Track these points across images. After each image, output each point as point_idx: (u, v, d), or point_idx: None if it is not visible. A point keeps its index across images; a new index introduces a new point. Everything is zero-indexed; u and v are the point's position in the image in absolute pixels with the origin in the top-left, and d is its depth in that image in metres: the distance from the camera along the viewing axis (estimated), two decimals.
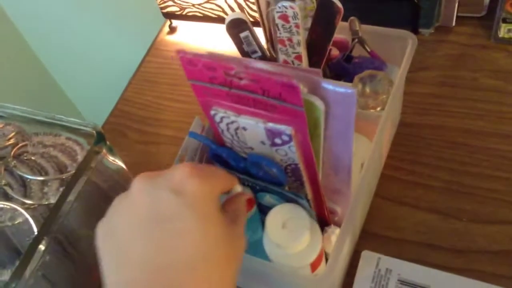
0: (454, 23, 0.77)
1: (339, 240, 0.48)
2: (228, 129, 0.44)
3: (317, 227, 0.48)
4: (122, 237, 0.36)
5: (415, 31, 0.76)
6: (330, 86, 0.41)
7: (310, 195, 0.48)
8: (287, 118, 0.40)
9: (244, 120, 0.41)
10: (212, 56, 0.39)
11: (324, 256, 0.50)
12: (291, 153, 0.42)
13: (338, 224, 0.52)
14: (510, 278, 0.56)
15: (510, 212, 0.61)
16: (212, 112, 0.43)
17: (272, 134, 0.41)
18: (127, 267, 0.35)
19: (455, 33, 0.78)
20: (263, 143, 0.43)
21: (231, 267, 0.37)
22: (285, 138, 0.41)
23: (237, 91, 0.40)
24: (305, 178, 0.45)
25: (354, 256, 0.60)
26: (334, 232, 0.50)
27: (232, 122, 0.42)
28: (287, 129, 0.40)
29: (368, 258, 0.59)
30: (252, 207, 0.48)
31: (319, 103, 0.41)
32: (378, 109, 0.56)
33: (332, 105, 0.42)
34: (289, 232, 0.46)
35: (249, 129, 0.42)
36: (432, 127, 0.69)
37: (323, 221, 0.52)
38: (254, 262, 0.48)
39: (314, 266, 0.48)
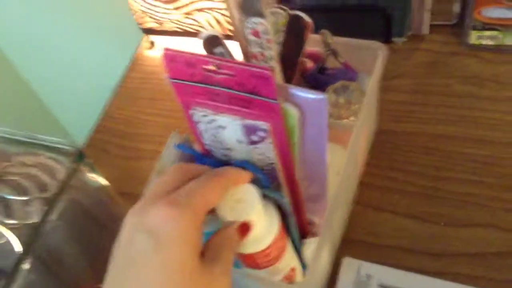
0: (426, 31, 0.79)
1: (317, 248, 0.49)
2: (206, 129, 0.44)
3: (272, 207, 0.47)
4: (106, 276, 0.36)
5: (388, 40, 0.78)
6: (301, 93, 0.42)
7: (288, 199, 0.48)
8: (263, 114, 0.41)
9: (222, 118, 0.42)
10: (193, 53, 0.40)
11: (290, 247, 0.50)
12: (268, 151, 0.43)
13: (317, 235, 0.53)
14: (486, 279, 0.58)
15: (485, 215, 0.62)
16: (191, 112, 0.44)
17: (248, 131, 0.42)
18: None
19: (428, 41, 0.80)
20: (240, 142, 0.43)
21: None
22: (262, 134, 0.42)
23: (214, 88, 0.41)
24: (282, 179, 0.46)
25: (336, 263, 0.61)
26: (313, 243, 0.51)
27: (211, 122, 0.43)
28: (263, 124, 0.41)
29: (349, 265, 0.61)
30: (247, 232, 0.43)
31: (293, 110, 0.42)
32: (352, 118, 0.58)
33: (305, 112, 0.43)
34: (238, 210, 0.43)
35: (227, 127, 0.43)
36: (407, 133, 0.71)
37: (302, 230, 0.53)
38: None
39: (272, 255, 0.46)
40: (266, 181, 0.46)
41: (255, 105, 0.40)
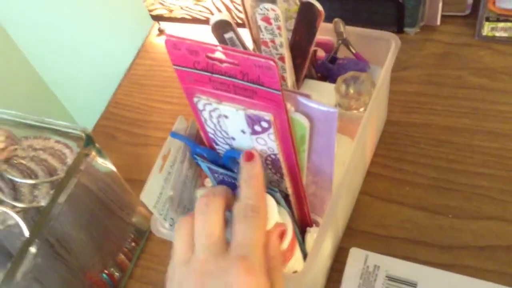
0: (438, 22, 0.78)
1: (318, 237, 0.49)
2: (211, 117, 0.44)
3: (286, 214, 0.48)
4: None
5: (400, 30, 0.77)
6: (313, 104, 0.43)
7: (290, 190, 0.48)
8: (266, 104, 0.41)
9: (225, 107, 0.42)
10: (196, 41, 0.40)
11: (297, 248, 0.50)
12: (270, 141, 0.43)
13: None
14: (494, 273, 0.57)
15: (494, 208, 0.62)
16: (195, 100, 0.43)
17: (252, 121, 0.42)
18: None
19: (440, 32, 0.79)
20: (243, 132, 0.43)
21: None
22: (265, 124, 0.42)
23: (218, 76, 0.40)
24: (284, 170, 0.46)
25: (342, 253, 0.61)
26: (316, 232, 0.50)
27: (214, 110, 0.43)
28: (266, 115, 0.41)
29: (356, 255, 0.60)
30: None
31: (304, 121, 0.43)
32: (361, 109, 0.57)
33: (315, 122, 0.44)
34: None
35: (230, 117, 0.43)
36: (418, 125, 0.70)
37: (304, 222, 0.53)
38: None
39: (286, 257, 0.47)
40: None
41: (258, 95, 0.40)
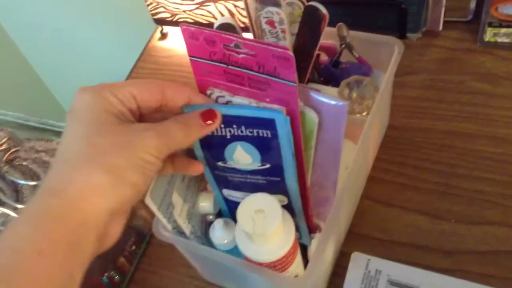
0: (441, 28, 0.79)
1: (320, 242, 0.49)
2: None
3: (289, 218, 0.47)
4: None
5: (402, 35, 0.77)
6: (322, 98, 0.43)
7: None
8: (280, 97, 0.41)
9: (238, 100, 0.42)
10: (213, 30, 0.40)
11: (299, 253, 0.50)
12: None
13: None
14: (497, 278, 0.57)
15: (497, 212, 0.62)
16: (208, 92, 0.44)
17: None
18: None
19: (442, 37, 0.79)
20: None
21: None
22: None
23: (234, 68, 0.41)
24: None
25: (344, 258, 0.61)
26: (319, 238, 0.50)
27: (227, 103, 0.43)
28: (278, 108, 0.41)
29: (358, 260, 0.60)
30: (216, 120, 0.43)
31: (313, 115, 0.43)
32: (364, 113, 0.57)
33: (324, 117, 0.44)
34: (259, 221, 0.44)
35: None
36: (420, 130, 0.70)
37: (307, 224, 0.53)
38: (232, 262, 0.48)
39: (288, 261, 0.47)
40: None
41: (272, 88, 0.40)
